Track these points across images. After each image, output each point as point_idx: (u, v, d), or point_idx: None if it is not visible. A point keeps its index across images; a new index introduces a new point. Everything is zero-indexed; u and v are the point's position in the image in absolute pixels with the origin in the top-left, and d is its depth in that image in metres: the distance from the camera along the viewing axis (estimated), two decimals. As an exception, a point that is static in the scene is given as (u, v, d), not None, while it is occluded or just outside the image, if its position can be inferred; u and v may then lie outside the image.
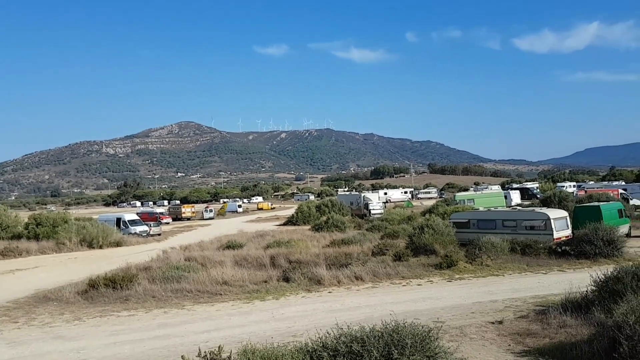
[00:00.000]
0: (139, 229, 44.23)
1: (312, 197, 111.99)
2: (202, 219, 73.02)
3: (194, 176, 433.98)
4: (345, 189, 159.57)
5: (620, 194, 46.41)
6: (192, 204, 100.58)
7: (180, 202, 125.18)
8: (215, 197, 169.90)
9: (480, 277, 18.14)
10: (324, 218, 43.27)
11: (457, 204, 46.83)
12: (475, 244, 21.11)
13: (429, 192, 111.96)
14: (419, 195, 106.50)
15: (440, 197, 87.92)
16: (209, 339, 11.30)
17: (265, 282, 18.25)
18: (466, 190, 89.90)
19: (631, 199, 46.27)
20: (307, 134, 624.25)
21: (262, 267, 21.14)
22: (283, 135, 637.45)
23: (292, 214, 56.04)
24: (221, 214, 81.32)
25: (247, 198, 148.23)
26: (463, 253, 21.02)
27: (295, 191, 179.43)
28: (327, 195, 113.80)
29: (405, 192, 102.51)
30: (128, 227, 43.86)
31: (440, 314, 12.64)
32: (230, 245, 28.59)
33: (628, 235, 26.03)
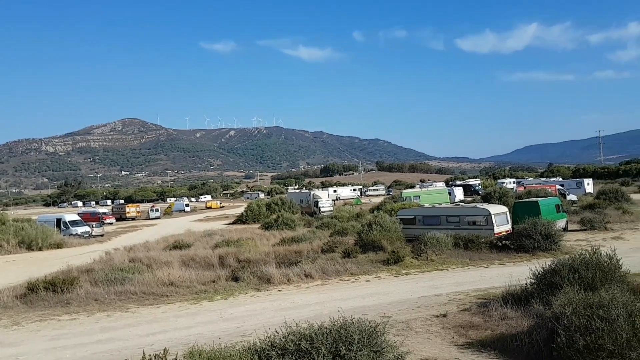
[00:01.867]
0: (80, 229, 42.65)
1: (262, 196, 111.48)
2: (148, 218, 71.31)
3: (139, 175, 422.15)
4: (296, 187, 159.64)
5: (558, 189, 48.68)
6: (137, 204, 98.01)
7: (125, 202, 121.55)
8: (161, 196, 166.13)
9: (425, 271, 18.60)
10: (274, 216, 43.10)
11: (403, 200, 47.80)
12: (421, 240, 21.62)
13: (377, 190, 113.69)
14: (368, 193, 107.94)
15: (388, 195, 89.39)
16: (154, 342, 11.04)
17: (214, 282, 18.01)
18: (412, 187, 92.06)
19: (568, 195, 48.68)
20: (256, 132, 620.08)
21: (210, 267, 20.86)
22: (232, 132, 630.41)
23: (242, 213, 55.51)
24: (168, 213, 79.72)
25: (195, 197, 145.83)
26: (409, 249, 21.50)
27: (244, 189, 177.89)
28: (277, 194, 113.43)
29: (355, 190, 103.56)
30: (69, 228, 42.22)
31: (387, 309, 12.88)
32: (177, 246, 28.02)
33: (565, 229, 27.34)
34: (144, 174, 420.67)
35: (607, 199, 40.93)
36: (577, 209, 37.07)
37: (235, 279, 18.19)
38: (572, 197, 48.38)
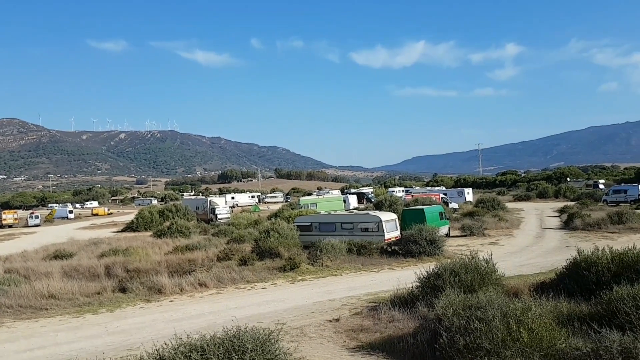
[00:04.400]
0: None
1: (154, 202, 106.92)
2: (27, 226, 65.97)
3: (17, 179, 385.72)
4: (192, 194, 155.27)
5: (441, 198, 51.99)
6: (15, 210, 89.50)
7: (1, 208, 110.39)
8: (42, 202, 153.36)
9: (320, 277, 18.96)
10: (167, 223, 41.60)
11: (301, 207, 48.36)
12: (316, 246, 22.02)
13: (275, 197, 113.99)
14: (266, 200, 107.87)
15: (286, 201, 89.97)
16: (32, 358, 10.17)
17: (99, 293, 16.99)
18: (310, 194, 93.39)
19: (450, 203, 52.15)
20: (149, 135, 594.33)
21: (95, 278, 19.65)
22: (122, 135, 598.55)
23: (132, 220, 52.92)
24: (49, 220, 74.18)
25: (80, 203, 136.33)
26: (306, 255, 21.80)
27: (136, 195, 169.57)
28: (171, 200, 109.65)
29: (253, 197, 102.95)
30: None
31: (282, 316, 12.94)
32: (59, 255, 26.13)
33: (447, 235, 29.28)
34: (23, 178, 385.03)
35: (485, 207, 44.49)
36: (458, 216, 39.80)
37: (123, 289, 17.31)
38: (454, 205, 51.86)
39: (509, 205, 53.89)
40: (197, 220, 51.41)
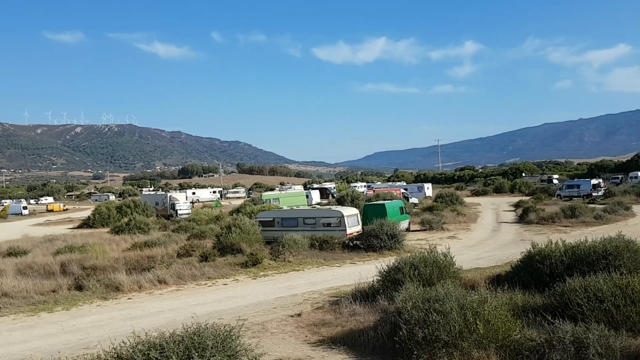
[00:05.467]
0: None
1: (112, 198, 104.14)
2: (-24, 223, 62.84)
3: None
4: (151, 189, 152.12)
5: (402, 193, 52.64)
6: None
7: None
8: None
9: (282, 272, 18.95)
10: (126, 220, 40.64)
11: (263, 203, 48.08)
12: (279, 242, 21.99)
13: (237, 192, 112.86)
14: (228, 195, 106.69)
15: (248, 197, 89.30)
16: (-19, 362, 9.80)
17: (54, 291, 16.50)
18: (272, 190, 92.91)
19: (410, 198, 52.92)
20: (107, 129, 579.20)
21: (50, 276, 19.02)
22: (78, 129, 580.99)
23: (89, 216, 51.46)
24: (2, 217, 71.39)
25: (35, 199, 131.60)
26: (268, 250, 21.74)
27: (93, 191, 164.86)
28: (129, 195, 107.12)
29: (214, 192, 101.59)
30: None
31: (244, 312, 12.87)
32: (12, 252, 25.20)
33: (408, 229, 29.73)
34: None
35: (444, 202, 45.41)
36: (418, 211, 40.46)
37: (80, 287, 16.86)
38: (414, 200, 52.69)
39: (467, 200, 55.13)
40: (157, 216, 50.46)
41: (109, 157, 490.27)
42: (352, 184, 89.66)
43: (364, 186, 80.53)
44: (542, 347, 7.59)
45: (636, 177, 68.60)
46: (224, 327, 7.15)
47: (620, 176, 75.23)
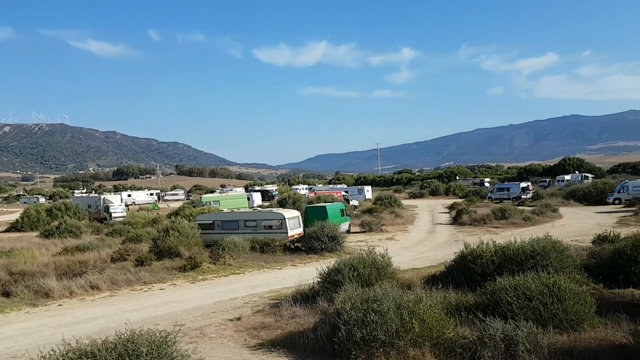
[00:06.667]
0: None
1: (42, 200, 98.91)
2: None
3: None
4: (83, 191, 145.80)
5: (343, 195, 53.25)
6: None
7: None
8: None
9: (222, 276, 18.69)
10: (56, 223, 38.77)
11: (203, 205, 47.27)
12: (219, 245, 21.67)
13: (176, 194, 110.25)
14: (166, 198, 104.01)
15: (187, 199, 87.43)
16: None
17: (-23, 300, 15.45)
18: (213, 192, 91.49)
19: (351, 200, 53.60)
20: (37, 129, 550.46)
21: (-29, 284, 17.80)
22: (7, 128, 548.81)
23: (17, 219, 48.67)
24: None
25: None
26: (207, 254, 21.34)
27: (21, 193, 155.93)
28: (60, 198, 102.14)
29: (151, 194, 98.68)
30: None
31: (181, 317, 12.59)
32: None
33: (348, 231, 30.13)
34: None
35: (383, 204, 46.34)
36: (358, 213, 41.05)
37: (6, 294, 15.94)
38: (354, 202, 53.38)
39: (405, 202, 56.55)
40: (90, 219, 48.46)
41: (39, 158, 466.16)
42: (293, 187, 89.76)
43: (306, 188, 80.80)
44: (474, 344, 7.88)
45: (563, 181, 72.71)
46: (160, 333, 6.98)
47: (547, 179, 79.53)
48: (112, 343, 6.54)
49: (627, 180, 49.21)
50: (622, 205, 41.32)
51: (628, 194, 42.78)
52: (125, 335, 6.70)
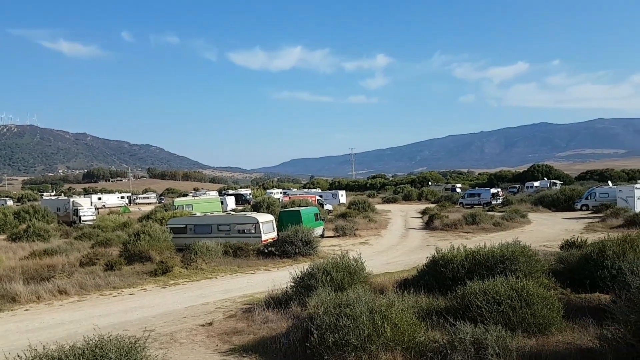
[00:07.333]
0: None
1: (10, 203, 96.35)
2: None
3: None
4: (52, 193, 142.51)
5: (317, 200, 53.40)
6: None
7: None
8: None
9: (194, 281, 18.48)
10: (24, 226, 37.86)
11: (175, 209, 46.75)
12: (191, 249, 21.43)
13: (148, 197, 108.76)
14: (137, 201, 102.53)
15: (159, 203, 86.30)
16: None
17: (-62, 305, 14.95)
18: (185, 195, 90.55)
19: (325, 204, 53.77)
20: (5, 130, 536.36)
21: None
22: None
23: (-19, 222, 47.23)
24: None
25: None
26: (179, 258, 21.08)
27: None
28: (29, 200, 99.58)
29: (122, 197, 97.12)
30: None
31: (151, 322, 12.40)
32: None
33: (322, 235, 30.14)
34: None
35: (356, 209, 46.58)
36: (332, 218, 41.21)
37: (-31, 299, 15.41)
38: (328, 206, 53.58)
39: (378, 207, 56.94)
40: (59, 222, 47.47)
41: (7, 160, 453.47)
42: (268, 191, 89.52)
43: (280, 193, 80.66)
44: (445, 348, 7.96)
45: (532, 187, 74.34)
46: (129, 339, 6.88)
47: (517, 186, 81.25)
48: (79, 349, 6.42)
49: (594, 187, 50.50)
50: (589, 212, 42.41)
51: (595, 200, 43.94)
52: (94, 340, 6.59)
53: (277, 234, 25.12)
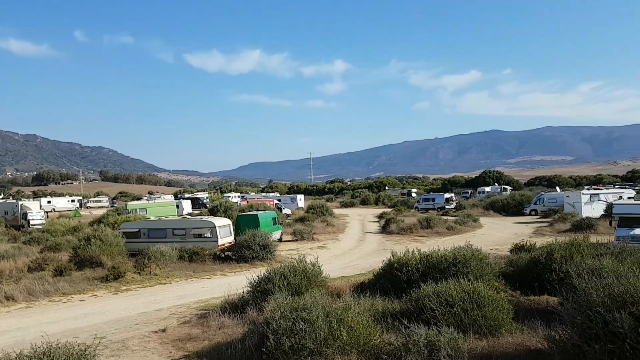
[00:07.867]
0: None
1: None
2: None
3: None
4: (0, 197, 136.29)
5: (276, 204, 53.20)
6: None
7: None
8: None
9: (147, 286, 18.09)
10: (-34, 230, 36.04)
11: (129, 213, 45.62)
12: (144, 254, 20.97)
13: (99, 201, 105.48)
14: (89, 204, 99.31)
15: (111, 206, 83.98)
16: None
17: None
18: (139, 199, 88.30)
19: (284, 208, 53.63)
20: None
21: None
22: None
23: None
24: None
25: None
26: (132, 263, 20.60)
27: None
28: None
29: (73, 201, 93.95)
30: None
31: (102, 329, 12.07)
32: None
33: (280, 239, 30.08)
34: None
35: (315, 213, 46.70)
36: (290, 222, 41.14)
37: None
38: (287, 211, 53.47)
39: (336, 211, 57.29)
40: (6, 226, 45.42)
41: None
42: (225, 194, 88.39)
43: (238, 196, 79.88)
44: (399, 350, 8.10)
45: (483, 192, 76.39)
46: (78, 346, 6.70)
47: (469, 191, 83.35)
48: (27, 357, 6.23)
49: (542, 193, 52.38)
50: (538, 216, 44.01)
51: (544, 205, 45.64)
52: (42, 348, 6.39)
53: (235, 239, 24.89)
